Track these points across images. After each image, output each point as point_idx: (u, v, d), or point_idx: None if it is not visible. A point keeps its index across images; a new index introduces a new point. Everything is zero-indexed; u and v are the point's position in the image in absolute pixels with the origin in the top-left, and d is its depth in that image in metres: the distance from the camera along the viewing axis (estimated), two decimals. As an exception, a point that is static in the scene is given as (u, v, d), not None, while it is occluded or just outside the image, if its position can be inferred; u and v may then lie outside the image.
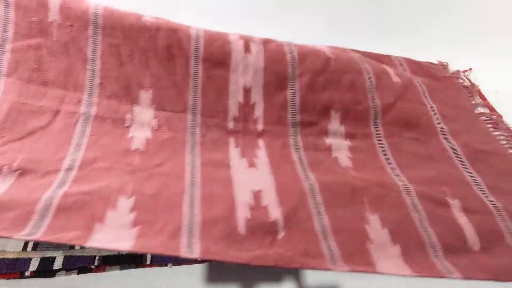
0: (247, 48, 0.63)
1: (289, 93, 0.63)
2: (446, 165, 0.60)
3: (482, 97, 0.79)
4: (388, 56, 0.81)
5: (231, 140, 0.59)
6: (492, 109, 0.76)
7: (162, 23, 0.62)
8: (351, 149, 0.61)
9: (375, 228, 0.48)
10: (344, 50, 0.75)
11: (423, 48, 0.93)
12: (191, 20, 0.94)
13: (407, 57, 0.83)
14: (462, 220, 0.50)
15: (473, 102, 0.75)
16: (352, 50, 0.77)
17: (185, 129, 0.59)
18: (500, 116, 0.74)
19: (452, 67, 0.87)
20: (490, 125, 0.70)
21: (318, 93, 0.64)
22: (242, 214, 0.47)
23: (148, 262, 0.49)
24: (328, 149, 0.60)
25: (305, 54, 0.66)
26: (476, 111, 0.73)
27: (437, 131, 0.66)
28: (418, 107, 0.68)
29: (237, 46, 0.63)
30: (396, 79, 0.69)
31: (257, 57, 0.63)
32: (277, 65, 0.63)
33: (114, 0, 0.93)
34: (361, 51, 0.80)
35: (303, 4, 0.96)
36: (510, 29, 0.94)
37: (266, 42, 0.66)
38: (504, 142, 0.66)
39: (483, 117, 0.72)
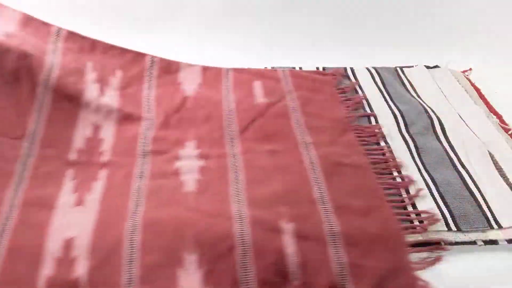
0: (102, 91, 0.64)
1: (142, 129, 0.63)
2: (298, 179, 0.57)
3: (482, 97, 0.79)
4: (275, 71, 0.79)
5: (69, 173, 0.56)
6: (492, 109, 0.76)
7: (13, 45, 0.60)
8: (201, 169, 0.58)
9: (189, 272, 0.45)
10: (216, 78, 0.74)
11: (423, 48, 0.94)
12: (191, 19, 0.95)
13: (293, 69, 0.81)
14: (291, 248, 0.48)
15: (352, 113, 0.71)
16: (236, 69, 0.77)
17: (15, 159, 0.55)
18: (500, 116, 0.74)
19: (452, 67, 0.87)
20: (360, 138, 0.66)
21: (172, 129, 0.64)
22: (46, 271, 0.44)
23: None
24: (176, 173, 0.57)
25: (161, 97, 0.67)
26: (352, 124, 0.69)
27: (298, 142, 0.63)
28: (279, 121, 0.67)
29: (91, 87, 0.63)
30: (260, 100, 0.69)
31: (111, 99, 0.64)
32: (132, 107, 0.64)
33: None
34: (248, 69, 0.78)
35: (302, 4, 0.96)
36: (510, 30, 0.94)
37: (123, 88, 0.66)
38: (372, 156, 0.63)
39: (357, 130, 0.68)
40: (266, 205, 0.53)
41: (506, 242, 0.53)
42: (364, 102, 0.76)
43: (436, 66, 0.87)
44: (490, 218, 0.55)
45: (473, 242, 0.53)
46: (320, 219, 0.51)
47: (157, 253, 0.46)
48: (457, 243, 0.53)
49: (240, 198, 0.54)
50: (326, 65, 0.85)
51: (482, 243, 0.53)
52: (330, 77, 0.80)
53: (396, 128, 0.70)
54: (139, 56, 0.74)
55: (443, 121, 0.71)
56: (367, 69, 0.85)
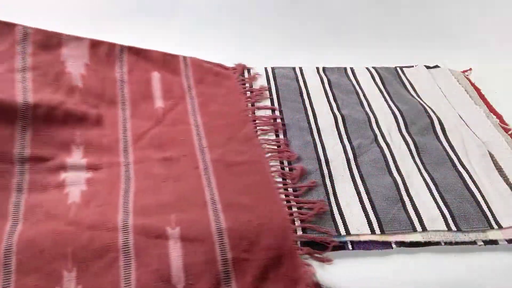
0: None
1: (18, 127, 0.54)
2: (192, 185, 0.56)
3: (482, 97, 0.79)
4: (176, 57, 0.73)
5: None
6: (491, 109, 0.76)
7: None
8: (89, 181, 0.54)
9: None
10: (108, 61, 0.67)
11: (423, 48, 0.94)
12: (189, 18, 0.95)
13: (196, 58, 0.75)
14: (175, 253, 0.47)
15: (251, 105, 0.70)
16: (132, 49, 0.70)
17: None
18: (500, 116, 0.74)
19: (452, 67, 0.87)
20: (259, 129, 0.66)
21: (56, 128, 0.57)
22: None
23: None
24: (61, 185, 0.53)
25: (41, 81, 0.58)
26: (251, 115, 0.68)
27: (195, 147, 0.61)
28: (179, 128, 0.64)
29: None
30: (159, 104, 0.66)
31: None
32: (2, 94, 0.54)
33: None
34: (145, 52, 0.71)
35: (302, 5, 0.96)
36: (510, 30, 0.94)
37: None
38: (267, 147, 0.64)
39: (256, 121, 0.68)
40: (153, 213, 0.51)
41: (506, 242, 0.53)
42: (365, 102, 0.76)
43: (436, 66, 0.87)
44: (490, 218, 0.55)
45: (473, 242, 0.53)
46: (208, 220, 0.51)
47: (34, 274, 0.44)
48: (457, 243, 0.53)
49: (128, 208, 0.52)
50: (326, 65, 0.86)
51: (482, 243, 0.53)
52: (232, 71, 0.78)
53: (396, 128, 0.70)
54: (6, 27, 0.61)
55: (443, 121, 0.71)
56: (367, 69, 0.85)
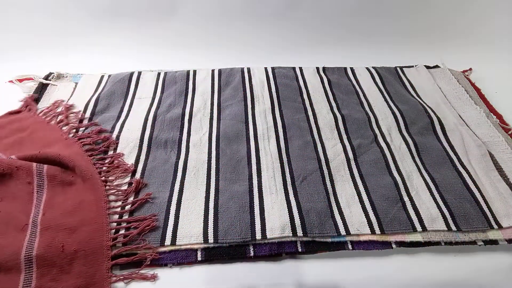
0: None
1: None
2: (20, 203, 0.54)
3: (482, 97, 0.79)
4: None
5: None
6: (492, 109, 0.76)
7: None
8: None
9: None
10: None
11: (423, 48, 0.94)
12: (190, 18, 0.95)
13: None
14: None
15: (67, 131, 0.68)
16: None
17: None
18: (500, 116, 0.74)
19: (452, 67, 0.87)
20: (86, 149, 0.64)
21: None
22: None
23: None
24: None
25: None
26: (72, 138, 0.66)
27: (33, 172, 0.57)
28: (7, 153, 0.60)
29: None
30: None
31: None
32: None
33: None
34: None
35: (302, 5, 0.96)
36: (510, 30, 0.94)
37: None
38: (101, 164, 0.62)
39: (82, 141, 0.65)
40: None
41: (506, 242, 0.53)
42: (365, 102, 0.76)
43: (436, 66, 0.88)
44: (490, 218, 0.55)
45: (473, 242, 0.53)
46: (20, 247, 0.48)
47: None
48: (457, 243, 0.53)
49: None
50: (326, 65, 0.86)
51: (482, 243, 0.53)
52: (25, 110, 0.74)
53: (396, 128, 0.70)
54: None
55: (443, 121, 0.71)
56: (367, 69, 0.85)
